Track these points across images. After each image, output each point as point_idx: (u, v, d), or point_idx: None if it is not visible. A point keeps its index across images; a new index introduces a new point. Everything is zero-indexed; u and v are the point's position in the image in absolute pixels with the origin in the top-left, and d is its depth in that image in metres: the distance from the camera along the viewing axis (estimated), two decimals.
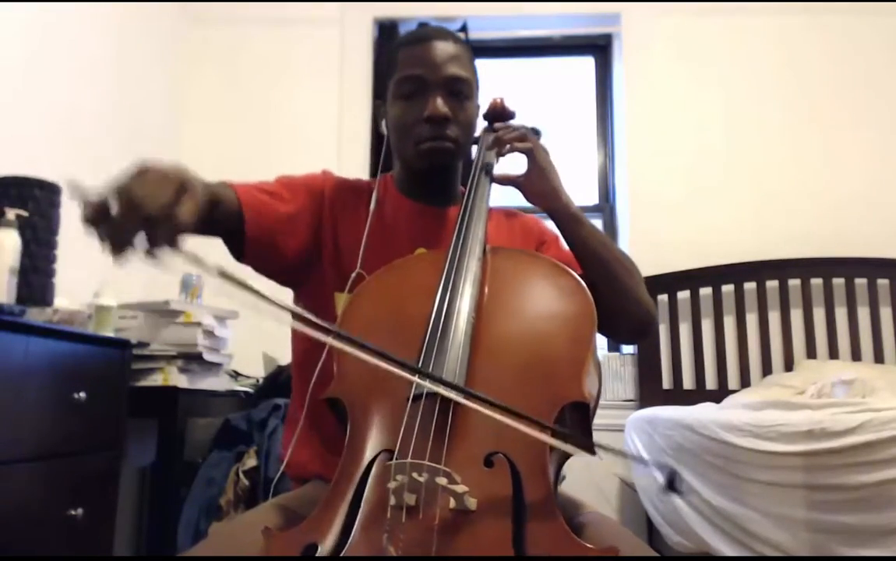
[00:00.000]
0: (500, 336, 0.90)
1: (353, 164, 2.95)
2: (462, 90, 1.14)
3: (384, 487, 0.73)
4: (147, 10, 2.79)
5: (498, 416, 0.73)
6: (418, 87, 1.12)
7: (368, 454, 0.81)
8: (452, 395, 0.77)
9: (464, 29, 1.25)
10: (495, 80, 3.36)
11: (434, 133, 1.12)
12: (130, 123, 2.69)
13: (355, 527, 0.73)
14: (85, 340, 1.74)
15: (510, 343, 0.90)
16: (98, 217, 0.68)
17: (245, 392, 2.40)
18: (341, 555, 0.71)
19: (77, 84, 2.38)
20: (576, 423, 0.85)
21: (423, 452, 0.75)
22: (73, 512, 1.61)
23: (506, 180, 1.19)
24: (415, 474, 0.72)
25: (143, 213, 0.67)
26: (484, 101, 1.29)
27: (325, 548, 0.72)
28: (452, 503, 0.71)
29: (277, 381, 2.29)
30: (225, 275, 0.68)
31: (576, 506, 0.99)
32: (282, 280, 1.19)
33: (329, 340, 0.80)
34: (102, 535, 1.77)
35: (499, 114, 1.31)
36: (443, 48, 1.14)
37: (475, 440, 0.78)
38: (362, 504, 0.75)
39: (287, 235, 1.13)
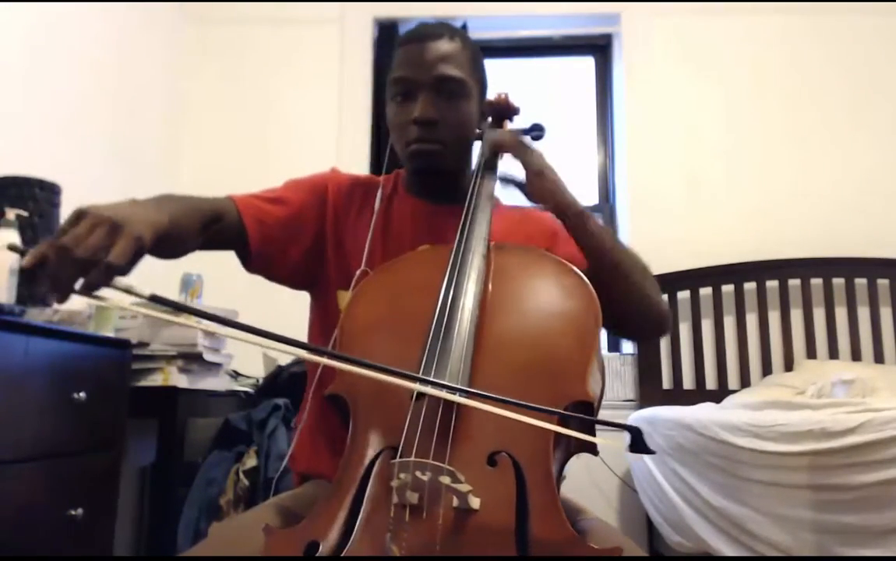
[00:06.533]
0: (504, 334, 0.90)
1: (353, 164, 2.94)
2: (453, 90, 1.12)
3: (387, 486, 0.73)
4: (147, 10, 2.79)
5: (501, 411, 0.73)
6: (408, 88, 1.12)
7: (371, 452, 0.80)
8: (454, 397, 0.77)
9: (464, 29, 1.25)
10: (495, 81, 3.36)
11: (422, 135, 1.10)
12: (131, 123, 2.69)
13: (357, 525, 0.73)
14: (85, 340, 1.73)
15: (514, 341, 0.90)
16: (37, 265, 0.71)
17: (245, 392, 2.40)
18: (343, 554, 0.70)
19: (77, 84, 2.37)
20: (580, 421, 0.85)
21: (427, 451, 0.75)
22: (73, 512, 1.61)
23: (508, 181, 1.16)
24: (418, 473, 0.71)
25: (73, 259, 0.71)
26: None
27: (326, 546, 0.71)
28: (455, 502, 0.71)
29: (277, 381, 2.29)
30: (157, 299, 0.74)
31: (576, 510, 0.99)
32: (293, 284, 1.19)
33: (324, 360, 0.80)
34: (102, 535, 1.77)
35: (503, 110, 1.30)
36: (434, 48, 1.11)
37: (478, 439, 0.78)
38: (364, 502, 0.74)
39: (291, 239, 1.13)
